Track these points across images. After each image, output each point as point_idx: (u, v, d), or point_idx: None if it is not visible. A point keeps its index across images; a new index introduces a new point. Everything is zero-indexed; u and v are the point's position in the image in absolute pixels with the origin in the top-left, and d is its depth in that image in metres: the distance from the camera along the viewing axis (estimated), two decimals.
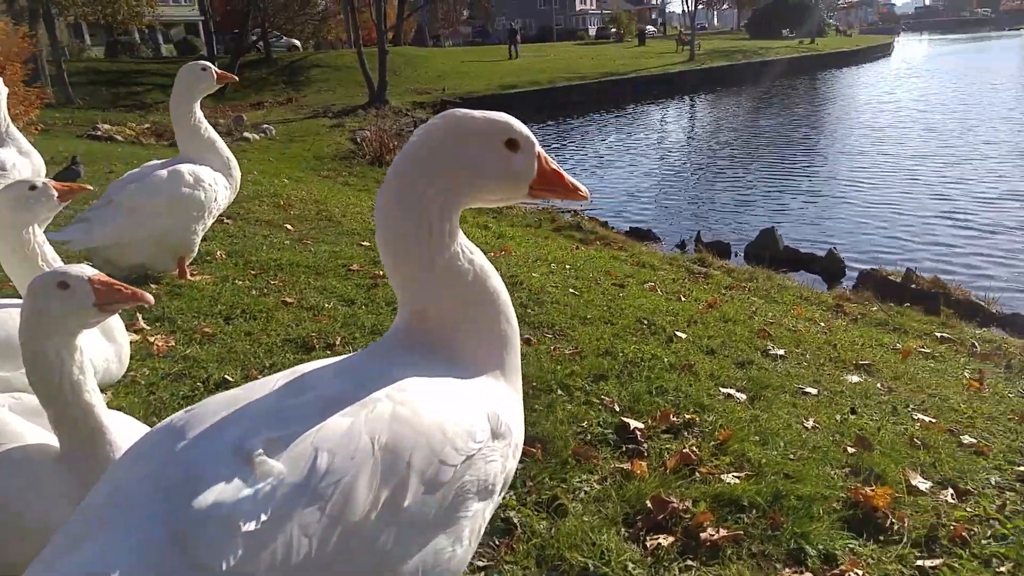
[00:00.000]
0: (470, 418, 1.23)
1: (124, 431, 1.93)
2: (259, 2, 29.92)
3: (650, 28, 65.62)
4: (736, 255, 10.08)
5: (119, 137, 16.87)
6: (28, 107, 10.06)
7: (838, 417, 3.17)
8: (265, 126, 19.83)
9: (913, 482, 2.60)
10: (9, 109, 9.12)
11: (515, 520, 2.33)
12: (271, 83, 31.19)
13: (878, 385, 3.67)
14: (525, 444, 2.79)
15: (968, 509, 2.50)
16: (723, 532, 2.25)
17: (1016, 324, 6.65)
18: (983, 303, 7.23)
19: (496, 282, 1.42)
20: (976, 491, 2.63)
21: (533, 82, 30.29)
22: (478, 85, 29.01)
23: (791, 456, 2.76)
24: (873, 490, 2.46)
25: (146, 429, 2.21)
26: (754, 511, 2.38)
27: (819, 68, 43.56)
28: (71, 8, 22.07)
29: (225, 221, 6.50)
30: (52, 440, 1.85)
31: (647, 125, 25.81)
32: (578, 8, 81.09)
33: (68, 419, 1.79)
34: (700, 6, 50.17)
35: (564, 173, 1.40)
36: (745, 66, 39.55)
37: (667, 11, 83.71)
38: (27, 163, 5.45)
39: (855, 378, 3.72)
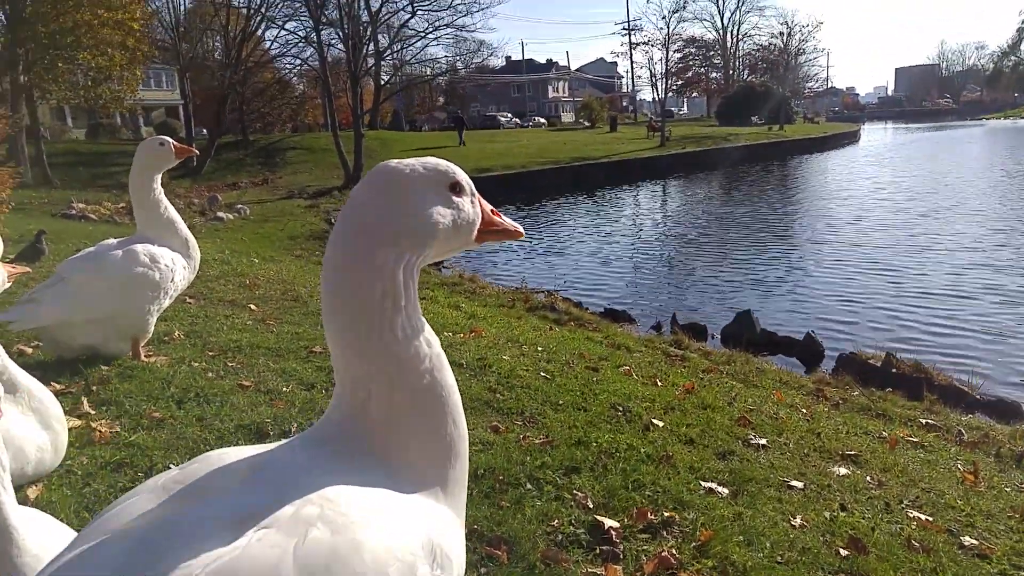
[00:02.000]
0: (411, 548, 1.00)
1: (38, 533, 1.74)
2: (237, 87, 30.51)
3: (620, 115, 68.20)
4: (713, 337, 10.00)
5: (93, 216, 16.75)
6: (0, 186, 9.91)
7: (827, 514, 2.96)
8: (240, 206, 19.84)
9: None
10: None
11: None
12: (248, 164, 31.53)
13: (867, 478, 3.48)
14: (489, 546, 2.56)
15: None
16: None
17: (1001, 409, 6.56)
18: (966, 388, 7.15)
19: (449, 376, 1.23)
20: None
21: (507, 166, 30.94)
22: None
23: (779, 559, 2.54)
24: None
25: (66, 530, 1.98)
26: None
27: (789, 154, 45.27)
28: (54, 93, 22.38)
29: (187, 301, 6.28)
30: None
31: (620, 208, 26.30)
32: (551, 95, 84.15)
33: None
34: (670, 94, 52.28)
35: (500, 213, 1.33)
36: (715, 151, 40.88)
37: (638, 99, 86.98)
38: None
39: (842, 470, 3.54)
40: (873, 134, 71.71)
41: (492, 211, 1.31)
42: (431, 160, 1.21)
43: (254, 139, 35.84)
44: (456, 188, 1.22)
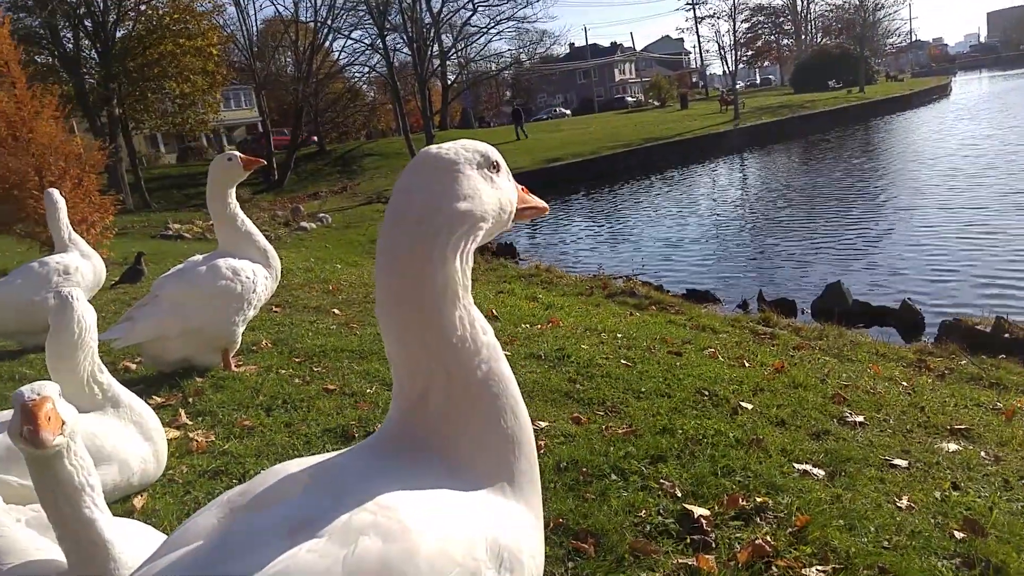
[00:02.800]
0: (474, 552, 0.97)
1: (133, 544, 1.81)
2: (310, 99, 31.50)
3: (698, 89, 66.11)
4: (803, 312, 9.59)
5: (187, 235, 17.65)
6: (104, 213, 10.61)
7: (937, 494, 2.76)
8: (322, 215, 20.48)
9: None
10: (86, 216, 9.74)
11: None
12: (326, 173, 32.53)
13: (982, 454, 3.23)
14: (576, 540, 2.52)
15: None
16: None
17: None
18: None
19: (506, 367, 1.19)
20: None
21: (576, 154, 30.65)
22: (523, 160, 29.50)
23: (885, 544, 2.38)
24: None
25: (162, 537, 2.06)
26: None
27: (871, 116, 42.81)
28: (146, 122, 23.90)
29: (273, 310, 6.51)
30: (62, 557, 1.76)
31: (696, 187, 25.58)
32: (617, 79, 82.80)
33: (70, 533, 1.69)
34: (741, 65, 50.52)
35: (527, 190, 1.35)
36: (792, 120, 39.23)
37: (708, 73, 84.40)
38: (88, 265, 5.69)
39: (952, 446, 3.30)
40: (966, 86, 67.02)
41: (522, 188, 1.31)
42: (469, 142, 1.19)
43: (330, 148, 36.95)
44: (495, 167, 1.20)
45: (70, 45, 22.59)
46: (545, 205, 1.36)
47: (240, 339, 4.57)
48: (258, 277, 4.38)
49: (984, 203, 15.31)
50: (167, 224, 18.92)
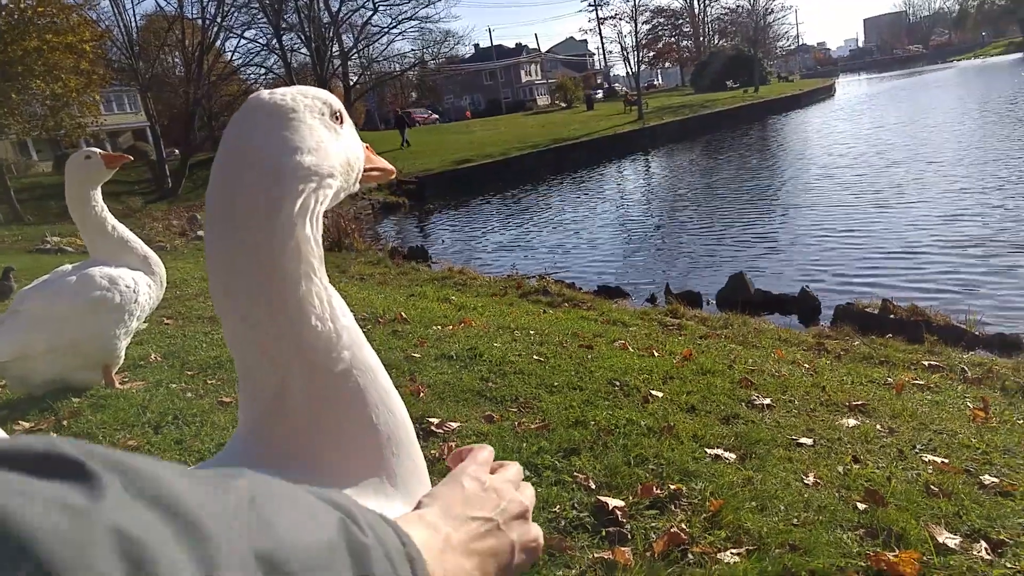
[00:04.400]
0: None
1: None
2: (203, 102, 30.03)
3: (599, 93, 67.46)
4: (708, 303, 9.86)
5: (69, 248, 16.45)
6: None
7: (840, 469, 2.81)
8: None
9: (940, 539, 2.23)
10: None
11: None
12: None
13: (877, 427, 3.33)
14: None
15: (1008, 565, 2.14)
16: None
17: (1000, 344, 6.43)
18: (964, 326, 7.02)
19: (372, 355, 1.00)
20: (1012, 540, 2.27)
21: (487, 155, 30.64)
22: (432, 162, 29.27)
23: (795, 521, 2.39)
24: (896, 555, 2.09)
25: None
26: None
27: (767, 114, 44.95)
28: (11, 126, 21.85)
29: (165, 322, 6.10)
30: None
31: (605, 186, 26.06)
32: (524, 80, 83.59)
33: None
34: (643, 66, 51.93)
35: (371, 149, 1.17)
36: (693, 119, 40.67)
37: (611, 74, 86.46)
38: None
39: (851, 421, 3.39)
40: (848, 87, 71.48)
41: (367, 147, 1.13)
42: (308, 88, 1.00)
43: None
44: (339, 118, 1.02)
45: None
46: (392, 168, 1.20)
47: (123, 354, 4.21)
48: (140, 285, 4.03)
49: (872, 195, 16.29)
50: (44, 237, 17.59)
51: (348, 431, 0.93)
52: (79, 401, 3.94)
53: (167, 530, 0.45)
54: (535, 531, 0.87)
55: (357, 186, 1.06)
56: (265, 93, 0.96)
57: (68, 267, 4.03)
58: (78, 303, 3.76)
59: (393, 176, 1.19)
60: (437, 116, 64.06)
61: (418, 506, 0.84)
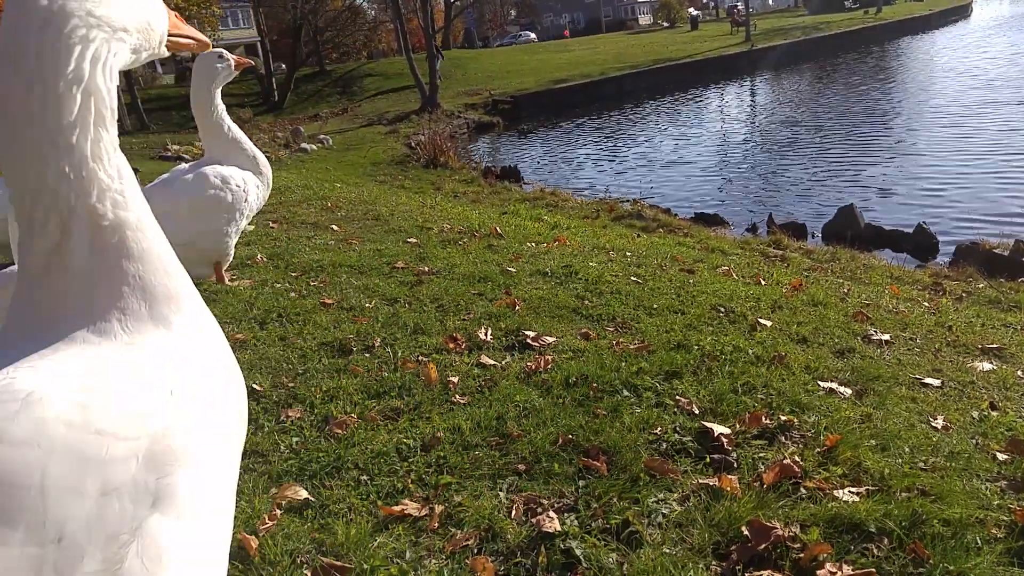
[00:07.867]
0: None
1: None
2: (309, 17, 30.30)
3: (696, 12, 63.31)
4: (813, 236, 9.35)
5: (187, 156, 17.27)
6: None
7: (975, 414, 2.58)
8: (322, 136, 19.97)
9: None
10: None
11: (578, 552, 1.88)
12: (327, 95, 31.67)
13: (1018, 372, 3.04)
14: (586, 457, 2.36)
15: None
16: (848, 570, 1.74)
17: None
18: None
19: (152, 218, 1.03)
20: None
21: (584, 75, 29.69)
22: (528, 82, 28.62)
23: (922, 465, 2.21)
24: None
25: None
26: (885, 540, 1.85)
27: (888, 38, 41.28)
28: None
29: (270, 225, 6.28)
30: None
31: (706, 109, 24.84)
32: None
33: None
34: None
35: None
36: (805, 42, 37.88)
37: None
38: None
39: (986, 365, 3.11)
40: (987, 5, 64.50)
41: (175, 15, 1.13)
42: None
43: (331, 69, 35.81)
44: None
45: None
46: (206, 39, 1.19)
47: (233, 252, 4.34)
48: (249, 185, 4.11)
49: (999, 125, 14.83)
50: (166, 145, 18.44)
51: (133, 291, 0.92)
52: None
53: None
54: None
55: (164, 50, 1.07)
56: None
57: (185, 166, 4.15)
58: (194, 200, 3.88)
59: (208, 48, 1.22)
60: (534, 36, 62.28)
61: None
